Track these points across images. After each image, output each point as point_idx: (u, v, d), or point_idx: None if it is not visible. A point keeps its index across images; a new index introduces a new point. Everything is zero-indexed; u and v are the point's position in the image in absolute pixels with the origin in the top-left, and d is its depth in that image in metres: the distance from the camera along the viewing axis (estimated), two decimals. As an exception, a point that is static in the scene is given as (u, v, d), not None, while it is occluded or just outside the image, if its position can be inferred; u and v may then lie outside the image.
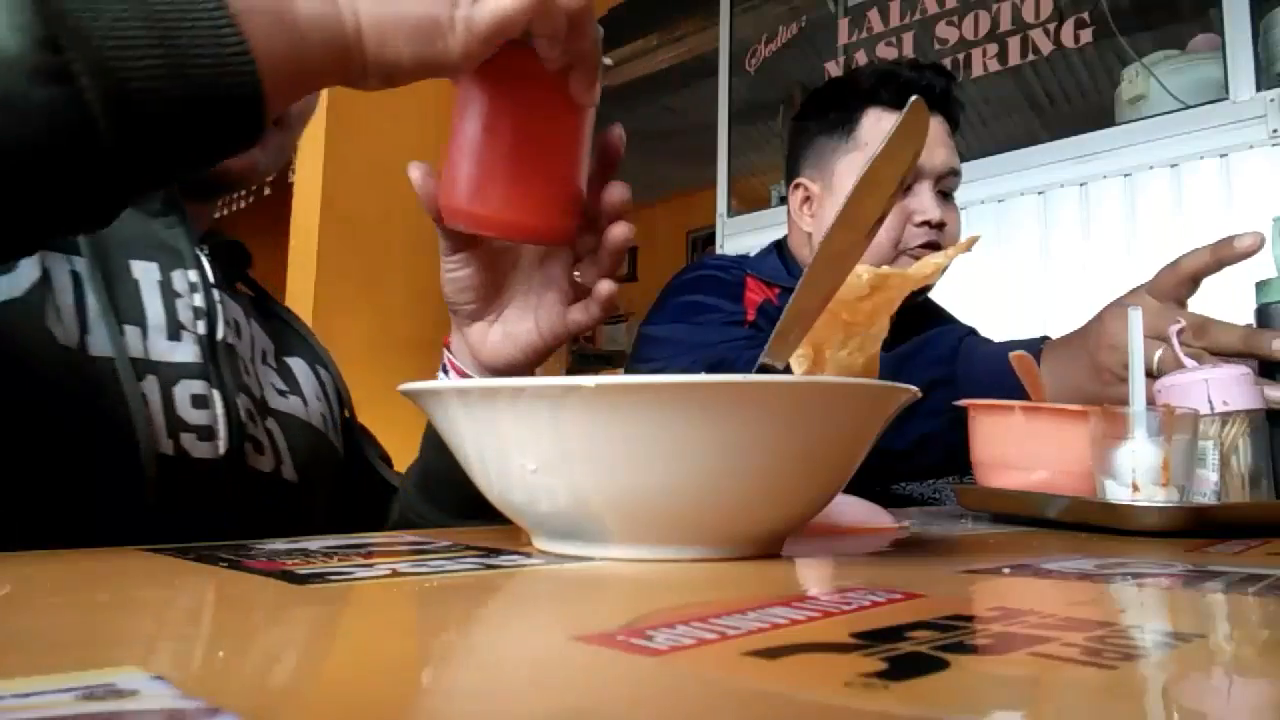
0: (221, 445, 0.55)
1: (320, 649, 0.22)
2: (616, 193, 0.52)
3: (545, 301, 0.57)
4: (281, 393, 0.66)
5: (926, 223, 1.09)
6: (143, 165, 0.38)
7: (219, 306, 0.60)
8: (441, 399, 0.39)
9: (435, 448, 0.62)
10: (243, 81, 0.37)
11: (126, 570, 0.34)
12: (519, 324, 0.57)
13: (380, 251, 2.22)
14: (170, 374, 0.55)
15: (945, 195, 1.12)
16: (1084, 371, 0.83)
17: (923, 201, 1.10)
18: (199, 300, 0.59)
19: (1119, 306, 0.81)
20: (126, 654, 0.21)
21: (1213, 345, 0.76)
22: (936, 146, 1.09)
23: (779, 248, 1.23)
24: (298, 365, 0.70)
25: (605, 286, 0.54)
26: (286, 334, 0.72)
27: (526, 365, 0.58)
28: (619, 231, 0.52)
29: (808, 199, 1.18)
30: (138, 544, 0.49)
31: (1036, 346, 0.88)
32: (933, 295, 1.21)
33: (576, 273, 0.56)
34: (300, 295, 2.32)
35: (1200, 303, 0.82)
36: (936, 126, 1.09)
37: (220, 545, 0.40)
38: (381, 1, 0.41)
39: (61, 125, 0.34)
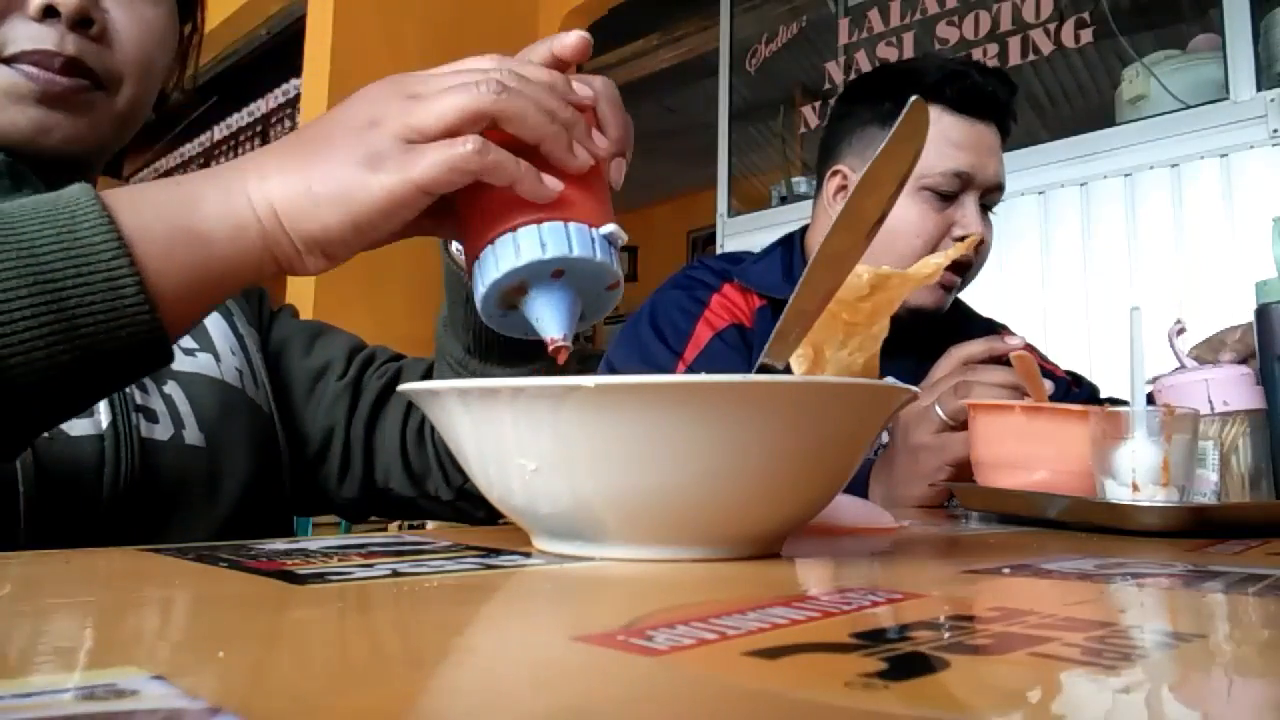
0: (103, 420, 0.53)
1: (320, 649, 0.22)
2: (568, 41, 0.46)
3: None
4: (189, 352, 0.63)
5: (964, 238, 1.02)
6: (28, 425, 0.37)
7: None
8: (441, 399, 0.39)
9: (450, 290, 0.61)
10: (137, 328, 0.37)
11: (126, 570, 0.34)
12: None
13: (380, 251, 2.22)
14: None
15: (985, 210, 1.08)
16: (902, 462, 0.89)
17: (968, 214, 1.04)
18: None
19: (909, 413, 0.89)
20: (126, 654, 0.21)
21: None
22: (989, 157, 1.05)
23: (788, 244, 1.17)
24: (210, 320, 0.67)
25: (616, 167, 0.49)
26: None
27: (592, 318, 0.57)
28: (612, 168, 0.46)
29: (843, 188, 1.11)
30: (28, 528, 0.48)
31: (865, 469, 0.94)
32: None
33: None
34: (300, 295, 2.32)
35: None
36: (991, 138, 1.05)
37: (220, 545, 0.40)
38: (291, 179, 0.40)
39: None
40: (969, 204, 1.04)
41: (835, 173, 1.11)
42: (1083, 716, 0.18)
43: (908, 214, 1.02)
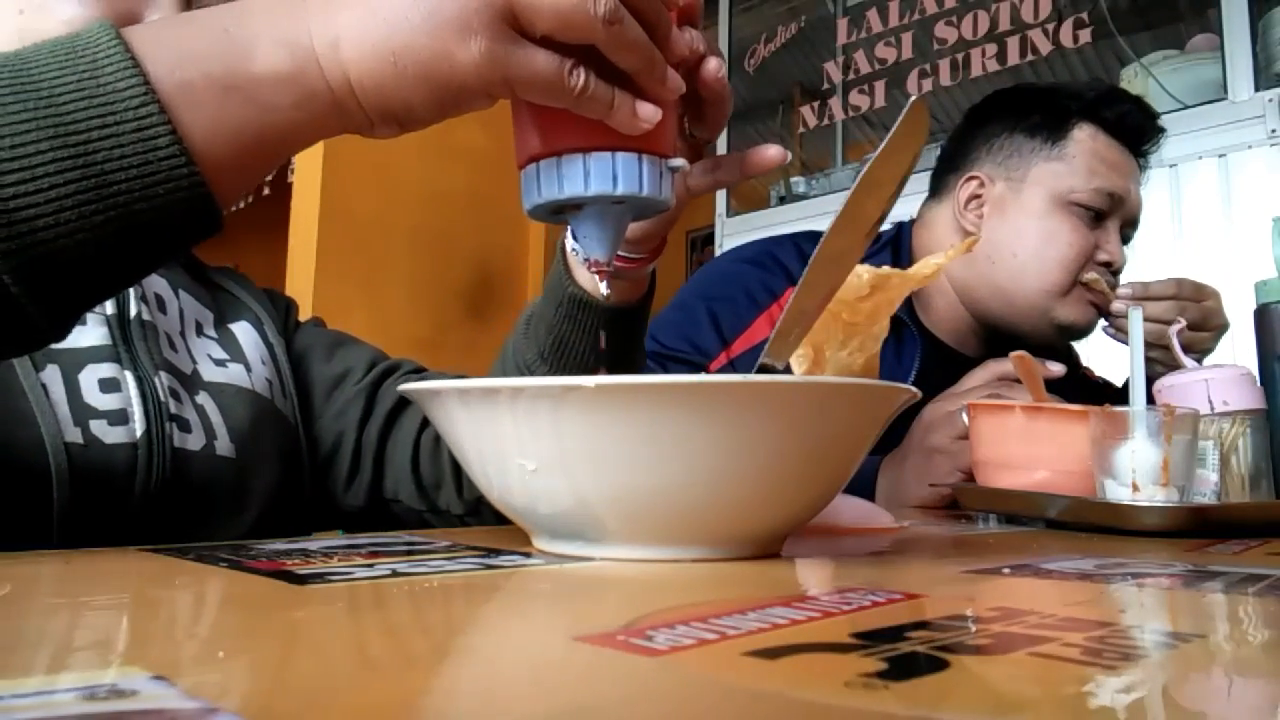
0: (137, 428, 0.53)
1: (320, 649, 0.22)
2: (689, 37, 0.44)
3: None
4: (220, 362, 0.62)
5: (1108, 264, 1.01)
6: (74, 298, 0.34)
7: None
8: (441, 399, 0.39)
9: (553, 289, 0.60)
10: (176, 184, 0.33)
11: (126, 570, 0.34)
12: None
13: (380, 251, 2.22)
14: (74, 360, 0.52)
15: (1123, 240, 1.05)
16: (915, 461, 0.89)
17: (1113, 242, 1.02)
18: None
19: (934, 402, 0.90)
20: (126, 654, 0.21)
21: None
22: (1135, 186, 1.03)
23: (895, 243, 1.10)
24: (242, 330, 0.67)
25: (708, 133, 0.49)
26: (229, 301, 0.69)
27: (659, 232, 0.56)
28: (711, 69, 0.46)
29: (977, 196, 1.06)
30: (59, 533, 0.48)
31: (873, 464, 0.93)
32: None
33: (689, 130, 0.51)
34: (300, 295, 2.31)
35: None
36: (1136, 169, 1.04)
37: (220, 545, 0.40)
38: (371, 45, 0.36)
39: None
40: (1113, 230, 1.02)
41: (971, 179, 1.06)
42: (1083, 716, 0.18)
43: (1058, 229, 1.00)
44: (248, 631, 0.24)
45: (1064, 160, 1.02)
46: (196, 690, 0.17)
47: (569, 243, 0.58)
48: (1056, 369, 0.84)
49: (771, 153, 0.51)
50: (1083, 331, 1.03)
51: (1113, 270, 1.02)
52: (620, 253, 0.56)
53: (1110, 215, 1.02)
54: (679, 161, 0.43)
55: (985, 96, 1.15)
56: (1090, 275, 1.00)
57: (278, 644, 0.23)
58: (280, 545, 0.40)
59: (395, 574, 0.32)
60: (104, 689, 0.17)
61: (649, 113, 0.40)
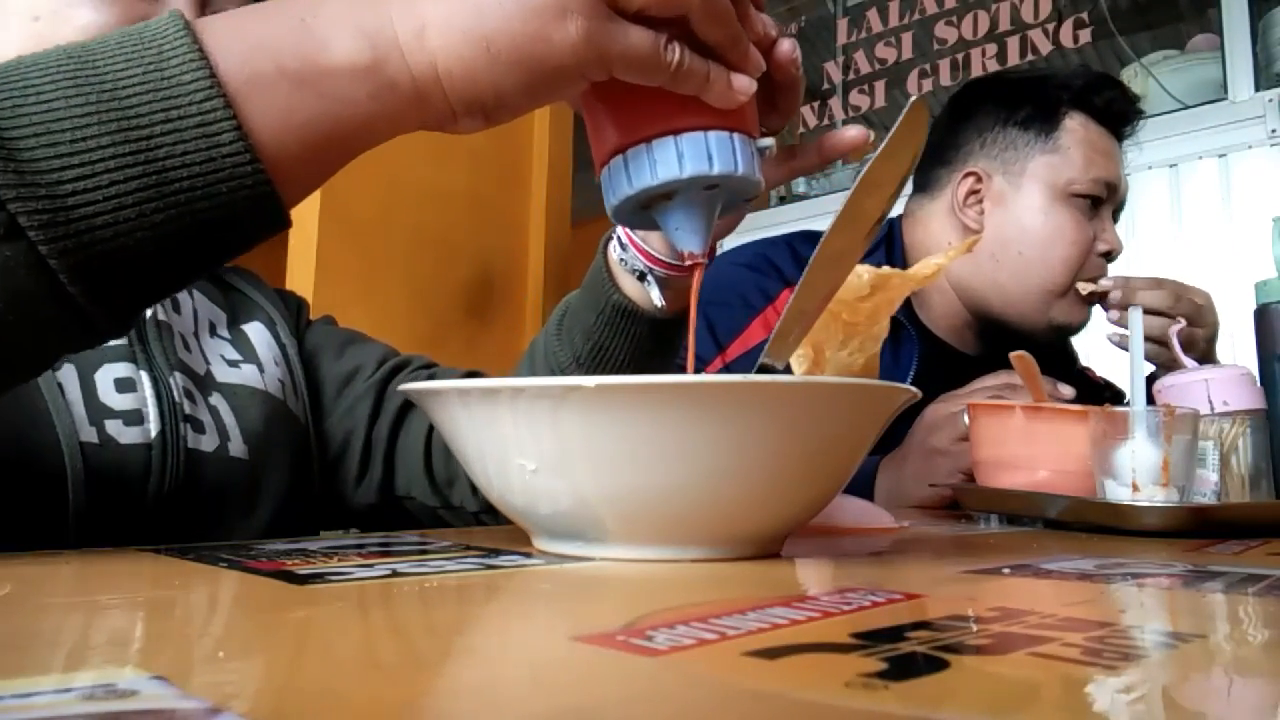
0: (152, 428, 0.53)
1: (320, 649, 0.22)
2: (762, 22, 0.43)
3: None
4: (233, 363, 0.62)
5: (1108, 253, 1.03)
6: (133, 296, 0.33)
7: None
8: (441, 399, 0.39)
9: (591, 291, 0.59)
10: (239, 183, 0.32)
11: (127, 570, 0.34)
12: None
13: (380, 251, 2.22)
14: (90, 360, 0.52)
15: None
16: (916, 461, 0.89)
17: (1110, 230, 1.03)
18: None
19: (935, 403, 0.90)
20: (126, 654, 0.21)
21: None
22: (1122, 172, 1.04)
23: (889, 242, 1.10)
24: (255, 331, 0.66)
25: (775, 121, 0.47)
26: (242, 301, 0.69)
27: (719, 232, 0.54)
28: (785, 49, 0.44)
29: (975, 192, 1.05)
30: (74, 533, 0.48)
31: (872, 464, 0.93)
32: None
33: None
34: (299, 293, 2.31)
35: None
36: (1121, 154, 1.05)
37: (220, 545, 0.40)
38: (461, 30, 0.34)
39: (18, 290, 0.30)
40: (1108, 217, 1.03)
41: (968, 175, 1.05)
42: (1083, 716, 0.18)
43: (1062, 222, 1.00)
44: (248, 632, 0.24)
45: (1059, 152, 1.02)
46: (196, 690, 0.17)
47: (614, 252, 0.58)
48: (1067, 391, 0.84)
49: (852, 134, 0.49)
50: (1074, 330, 1.05)
51: (1111, 258, 1.03)
52: (673, 260, 0.55)
53: (1105, 203, 1.03)
54: (767, 141, 0.42)
55: (965, 85, 1.15)
56: (1090, 288, 1.00)
57: (278, 644, 0.23)
58: (281, 545, 0.40)
59: (395, 574, 0.32)
60: (104, 689, 0.17)
61: (744, 84, 0.39)
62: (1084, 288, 1.00)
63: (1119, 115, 1.05)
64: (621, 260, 0.58)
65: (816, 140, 0.50)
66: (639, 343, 0.59)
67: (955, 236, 1.05)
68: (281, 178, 0.33)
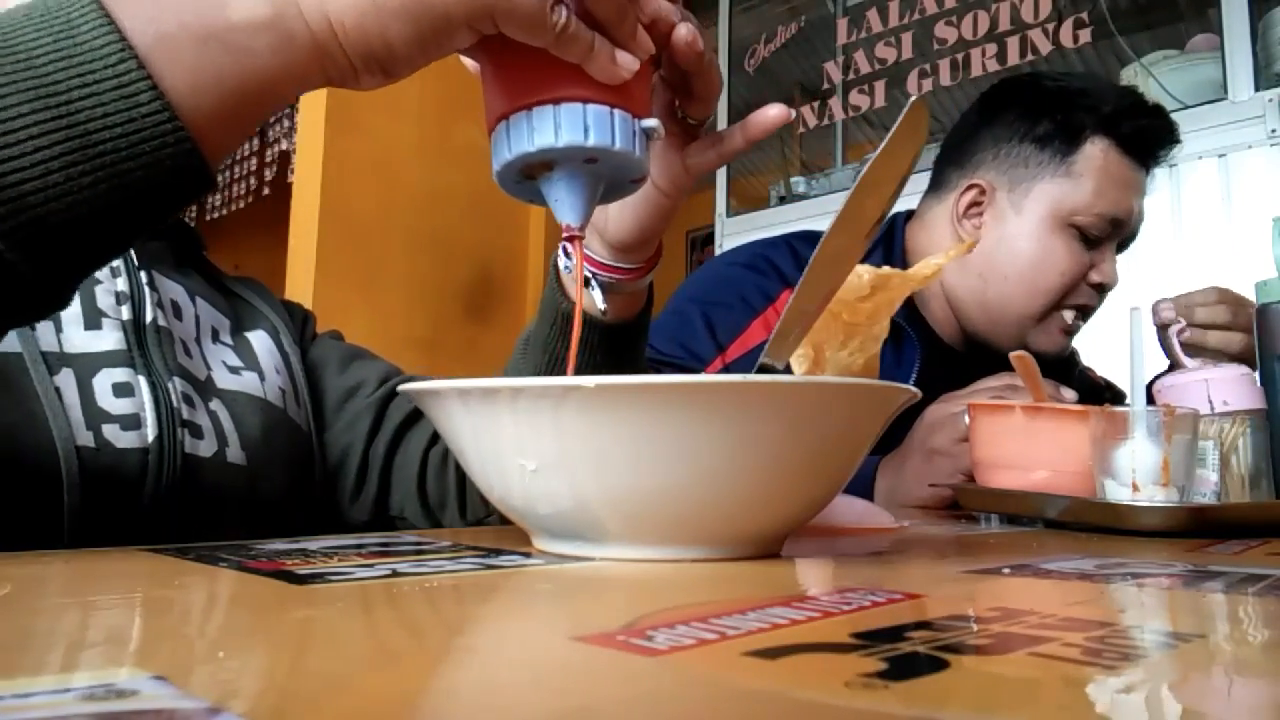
0: (149, 433, 0.53)
1: (320, 649, 0.22)
2: (656, 5, 0.43)
3: (656, 153, 0.51)
4: (234, 370, 0.63)
5: (1100, 285, 0.99)
6: (73, 261, 0.33)
7: (146, 289, 0.57)
8: (441, 399, 0.39)
9: (546, 310, 0.60)
10: (161, 141, 0.32)
11: (127, 570, 0.34)
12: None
13: (380, 251, 2.22)
14: (88, 364, 0.53)
15: (1118, 249, 1.02)
16: (916, 462, 0.89)
17: (1109, 261, 0.98)
18: (121, 284, 0.56)
19: (936, 403, 0.89)
20: (126, 654, 0.21)
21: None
22: (1140, 202, 0.99)
23: (887, 242, 1.08)
24: (258, 339, 0.67)
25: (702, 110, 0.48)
26: (246, 309, 0.70)
27: (656, 228, 0.55)
28: (682, 34, 0.44)
29: (977, 204, 1.01)
30: (69, 537, 0.48)
31: (872, 465, 0.92)
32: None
33: (679, 112, 0.50)
34: (300, 295, 2.32)
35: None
36: (1145, 184, 1.00)
37: (220, 545, 0.40)
38: None
39: None
40: (1110, 250, 0.99)
41: (972, 186, 1.02)
42: (1083, 716, 0.18)
43: (1054, 250, 0.97)
44: (248, 631, 0.24)
45: (1071, 178, 0.97)
46: (196, 690, 0.17)
47: (561, 260, 0.58)
48: (1070, 395, 0.83)
49: (773, 113, 0.49)
50: (1053, 360, 1.00)
51: (1103, 291, 1.00)
52: (615, 264, 0.56)
53: (1109, 239, 0.98)
54: (652, 122, 0.42)
55: (997, 84, 1.09)
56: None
57: (278, 644, 0.23)
58: (280, 545, 0.40)
59: (395, 574, 0.32)
60: (104, 689, 0.17)
61: (627, 60, 0.40)
62: (1164, 316, 0.92)
63: (1149, 144, 0.99)
64: (566, 269, 0.58)
65: (741, 122, 0.50)
66: (592, 352, 0.59)
67: (952, 244, 1.02)
68: (199, 136, 0.34)
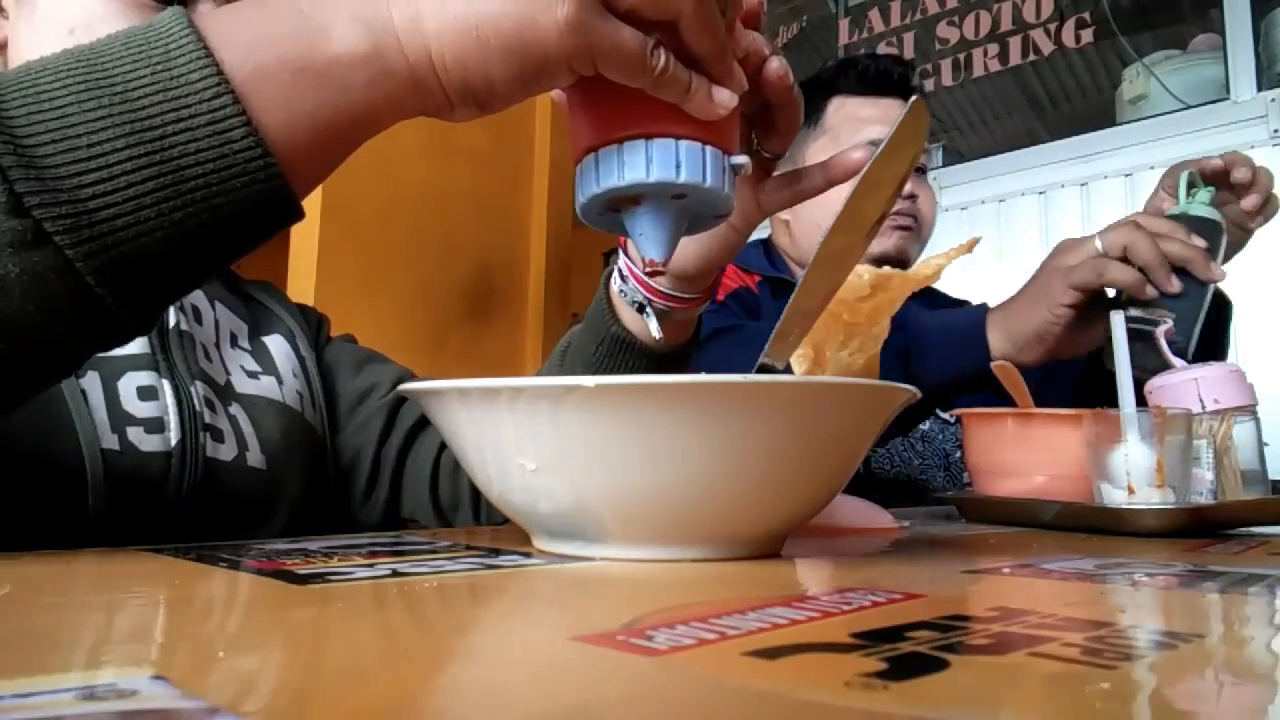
0: (172, 437, 0.53)
1: (320, 649, 0.22)
2: (752, 38, 0.43)
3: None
4: (252, 374, 0.63)
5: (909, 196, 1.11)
6: (158, 293, 0.34)
7: None
8: (441, 399, 0.39)
9: (593, 324, 0.60)
10: (252, 178, 0.33)
11: (127, 571, 0.34)
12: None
13: (380, 251, 2.22)
14: (114, 367, 0.53)
15: (918, 171, 1.15)
16: (1036, 281, 0.84)
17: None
18: None
19: (1066, 241, 0.85)
20: (126, 654, 0.21)
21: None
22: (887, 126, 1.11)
23: (765, 244, 1.24)
24: (275, 343, 0.67)
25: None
26: (264, 314, 0.70)
27: (721, 260, 0.54)
28: (774, 68, 0.44)
29: None
30: (92, 538, 0.48)
31: (982, 310, 0.89)
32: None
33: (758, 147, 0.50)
34: (300, 295, 2.31)
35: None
36: (898, 109, 1.11)
37: (220, 545, 0.40)
38: (452, 17, 0.35)
39: (48, 294, 0.30)
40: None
41: None
42: (1082, 716, 0.18)
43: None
44: (248, 631, 0.24)
45: (827, 133, 1.14)
46: (197, 690, 0.17)
47: (614, 284, 0.58)
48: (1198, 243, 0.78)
49: (856, 155, 0.47)
50: (894, 262, 1.11)
51: (903, 197, 1.11)
52: (674, 292, 0.56)
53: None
54: (742, 159, 0.42)
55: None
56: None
57: (278, 644, 0.23)
58: (281, 545, 0.41)
59: (395, 574, 0.32)
60: (104, 689, 0.17)
61: (725, 97, 0.39)
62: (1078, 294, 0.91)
63: (878, 77, 1.12)
64: (621, 292, 0.57)
65: (821, 162, 0.49)
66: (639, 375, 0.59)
67: (781, 229, 1.20)
68: (291, 169, 0.34)
